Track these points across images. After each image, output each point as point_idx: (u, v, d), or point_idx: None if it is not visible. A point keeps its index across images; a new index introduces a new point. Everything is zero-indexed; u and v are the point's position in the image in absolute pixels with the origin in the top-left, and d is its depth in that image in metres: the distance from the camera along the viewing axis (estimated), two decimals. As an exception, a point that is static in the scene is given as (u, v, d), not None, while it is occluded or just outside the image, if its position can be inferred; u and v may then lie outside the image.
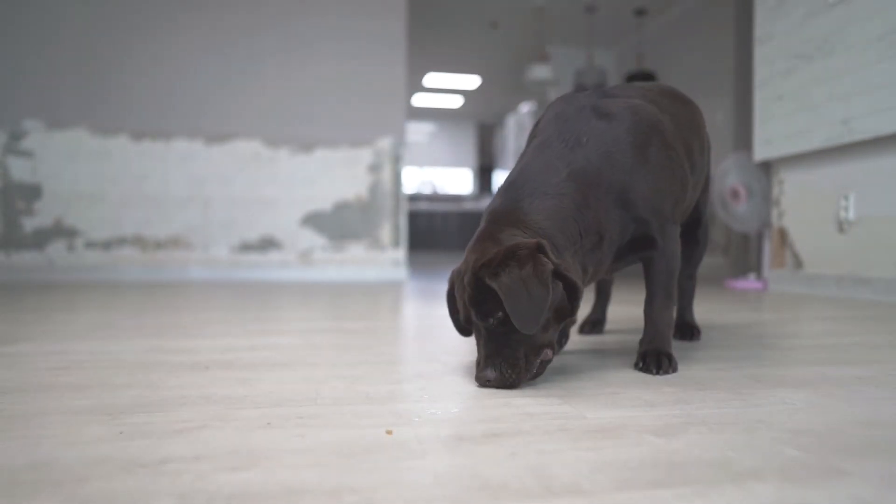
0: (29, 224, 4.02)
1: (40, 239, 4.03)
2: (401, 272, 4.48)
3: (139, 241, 4.17)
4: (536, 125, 1.28)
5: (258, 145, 4.34)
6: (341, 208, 4.45)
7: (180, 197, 4.23)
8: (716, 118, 5.14)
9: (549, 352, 1.05)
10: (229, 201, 4.30)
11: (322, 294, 3.07)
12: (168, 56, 4.21)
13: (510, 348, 1.01)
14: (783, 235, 3.49)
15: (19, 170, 4.00)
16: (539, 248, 1.01)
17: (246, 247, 4.32)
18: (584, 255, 1.11)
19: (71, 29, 4.07)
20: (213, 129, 4.27)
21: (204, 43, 4.26)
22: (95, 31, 4.11)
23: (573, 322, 1.39)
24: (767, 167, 3.73)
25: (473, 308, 1.01)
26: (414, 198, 10.86)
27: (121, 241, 4.14)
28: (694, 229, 1.59)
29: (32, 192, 4.02)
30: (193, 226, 4.24)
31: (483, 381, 1.01)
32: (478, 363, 1.03)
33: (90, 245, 4.10)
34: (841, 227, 3.06)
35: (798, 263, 3.36)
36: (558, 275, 1.03)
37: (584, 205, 1.10)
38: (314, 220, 4.41)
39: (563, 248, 1.07)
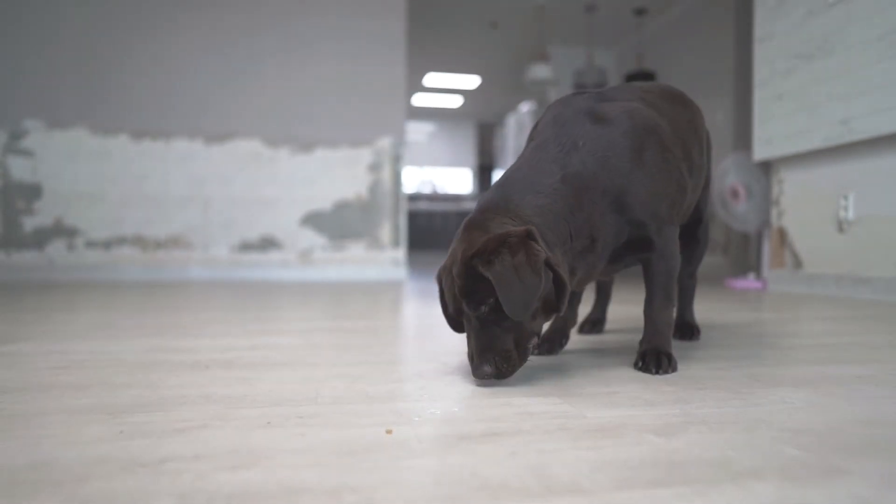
0: (29, 223, 4.02)
1: (40, 238, 4.03)
2: (400, 272, 4.48)
3: (139, 241, 4.17)
4: (535, 128, 1.28)
5: (258, 145, 4.34)
6: (341, 208, 4.45)
7: (180, 197, 4.23)
8: (716, 118, 5.14)
9: (535, 339, 1.07)
10: (229, 201, 4.30)
11: (322, 294, 3.07)
12: (168, 56, 4.21)
13: (502, 339, 1.02)
14: (783, 235, 3.49)
15: (19, 169, 4.00)
16: (529, 236, 1.01)
17: (246, 246, 4.32)
18: (573, 256, 1.11)
19: (71, 29, 4.07)
20: (213, 128, 4.28)
21: (204, 43, 4.26)
22: (95, 30, 4.11)
23: (574, 322, 1.40)
24: (767, 167, 3.73)
25: (465, 298, 1.02)
26: (414, 197, 10.86)
27: (121, 241, 4.14)
28: (694, 229, 1.59)
29: (32, 192, 4.02)
30: (193, 225, 4.24)
31: (482, 377, 1.01)
32: (470, 357, 1.04)
33: (90, 245, 4.10)
34: (840, 226, 3.06)
35: (797, 263, 3.37)
36: (549, 266, 1.03)
37: (577, 207, 1.10)
38: (314, 220, 4.41)
39: (553, 245, 1.07)
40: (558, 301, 1.07)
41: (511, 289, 0.96)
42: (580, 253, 1.12)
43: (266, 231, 4.35)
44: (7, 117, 3.99)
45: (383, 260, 4.49)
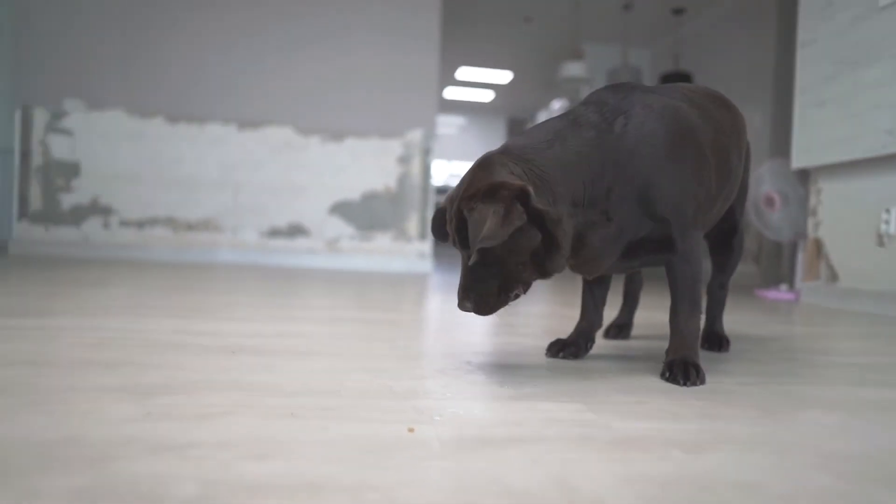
0: (67, 201, 4.12)
1: (77, 216, 4.14)
2: (426, 264, 4.48)
3: (171, 222, 4.25)
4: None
5: (290, 132, 4.37)
6: (369, 198, 4.47)
7: (212, 180, 4.29)
8: (753, 123, 5.01)
9: (521, 287, 1.09)
10: (259, 187, 4.35)
11: (348, 283, 3.09)
12: (204, 41, 4.27)
13: (487, 283, 1.07)
14: (818, 246, 3.39)
15: (60, 148, 4.11)
16: (523, 192, 1.00)
17: (274, 232, 4.37)
18: (585, 224, 1.10)
19: (113, 11, 4.15)
20: (246, 115, 4.33)
21: (240, 30, 4.31)
22: (138, 14, 4.18)
23: (599, 325, 1.38)
24: (805, 175, 3.63)
25: (457, 236, 1.08)
26: (442, 190, 10.84)
27: (153, 222, 4.23)
28: (729, 237, 1.55)
29: (71, 170, 4.13)
30: (224, 209, 4.31)
31: (463, 309, 1.08)
32: (459, 291, 1.09)
33: (124, 224, 4.19)
34: (881, 240, 2.96)
35: (833, 276, 3.27)
36: (539, 217, 1.02)
37: (600, 176, 1.09)
38: (342, 209, 4.44)
39: (561, 199, 1.06)
40: (547, 258, 1.06)
41: (476, 231, 0.98)
42: (593, 224, 1.11)
43: (294, 218, 4.39)
44: (50, 97, 4.09)
45: (409, 252, 4.50)
